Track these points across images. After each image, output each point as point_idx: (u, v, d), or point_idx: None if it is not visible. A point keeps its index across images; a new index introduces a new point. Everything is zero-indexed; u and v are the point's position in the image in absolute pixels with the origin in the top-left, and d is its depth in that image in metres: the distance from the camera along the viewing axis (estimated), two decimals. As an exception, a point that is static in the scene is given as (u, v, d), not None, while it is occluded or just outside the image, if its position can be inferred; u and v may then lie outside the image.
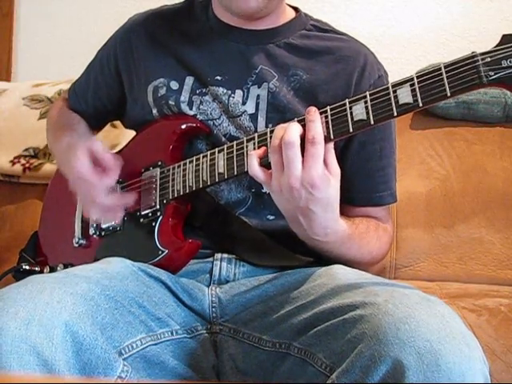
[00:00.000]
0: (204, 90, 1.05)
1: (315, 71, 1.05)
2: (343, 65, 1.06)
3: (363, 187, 1.06)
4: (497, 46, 0.74)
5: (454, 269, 1.33)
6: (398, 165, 1.13)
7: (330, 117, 0.83)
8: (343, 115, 0.83)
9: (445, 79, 0.76)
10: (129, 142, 1.14)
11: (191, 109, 1.05)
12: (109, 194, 0.98)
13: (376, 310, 0.71)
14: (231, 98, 1.04)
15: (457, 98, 1.38)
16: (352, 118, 0.82)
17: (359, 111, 0.81)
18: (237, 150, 0.92)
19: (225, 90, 1.04)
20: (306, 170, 0.80)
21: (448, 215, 1.37)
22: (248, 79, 1.04)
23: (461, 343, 0.66)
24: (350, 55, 1.07)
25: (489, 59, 0.73)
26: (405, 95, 0.78)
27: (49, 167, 1.54)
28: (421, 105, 0.77)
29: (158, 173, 1.02)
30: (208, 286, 0.95)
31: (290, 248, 0.98)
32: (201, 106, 1.05)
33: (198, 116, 1.04)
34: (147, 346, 0.81)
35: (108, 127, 1.35)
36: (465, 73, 0.75)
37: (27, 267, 1.11)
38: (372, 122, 0.81)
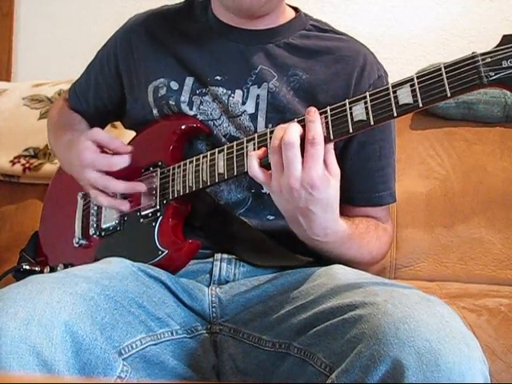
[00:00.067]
0: (204, 90, 1.05)
1: (315, 71, 1.05)
2: (343, 65, 1.06)
3: (363, 187, 1.06)
4: (497, 46, 0.74)
5: (454, 269, 1.33)
6: (398, 165, 1.13)
7: (329, 117, 0.83)
8: (343, 116, 0.82)
9: (445, 79, 0.75)
10: (129, 142, 1.13)
11: (191, 109, 1.05)
12: (123, 175, 0.99)
13: (375, 309, 0.71)
14: (231, 98, 1.04)
15: (457, 98, 1.37)
16: (352, 119, 0.82)
17: (359, 112, 0.81)
18: (237, 151, 0.92)
19: (225, 90, 1.04)
20: (305, 170, 0.80)
21: (448, 215, 1.37)
22: (248, 79, 1.04)
23: (460, 343, 0.66)
24: (350, 55, 1.07)
25: (489, 59, 0.73)
26: (405, 96, 0.78)
27: (49, 167, 1.55)
28: (421, 105, 0.77)
29: (158, 173, 1.02)
30: (208, 286, 0.95)
31: (289, 248, 0.98)
32: (201, 106, 1.05)
33: (198, 116, 1.04)
34: (147, 346, 0.81)
35: (108, 127, 1.36)
36: (465, 73, 0.74)
37: (27, 267, 1.11)
38: (372, 123, 0.80)
